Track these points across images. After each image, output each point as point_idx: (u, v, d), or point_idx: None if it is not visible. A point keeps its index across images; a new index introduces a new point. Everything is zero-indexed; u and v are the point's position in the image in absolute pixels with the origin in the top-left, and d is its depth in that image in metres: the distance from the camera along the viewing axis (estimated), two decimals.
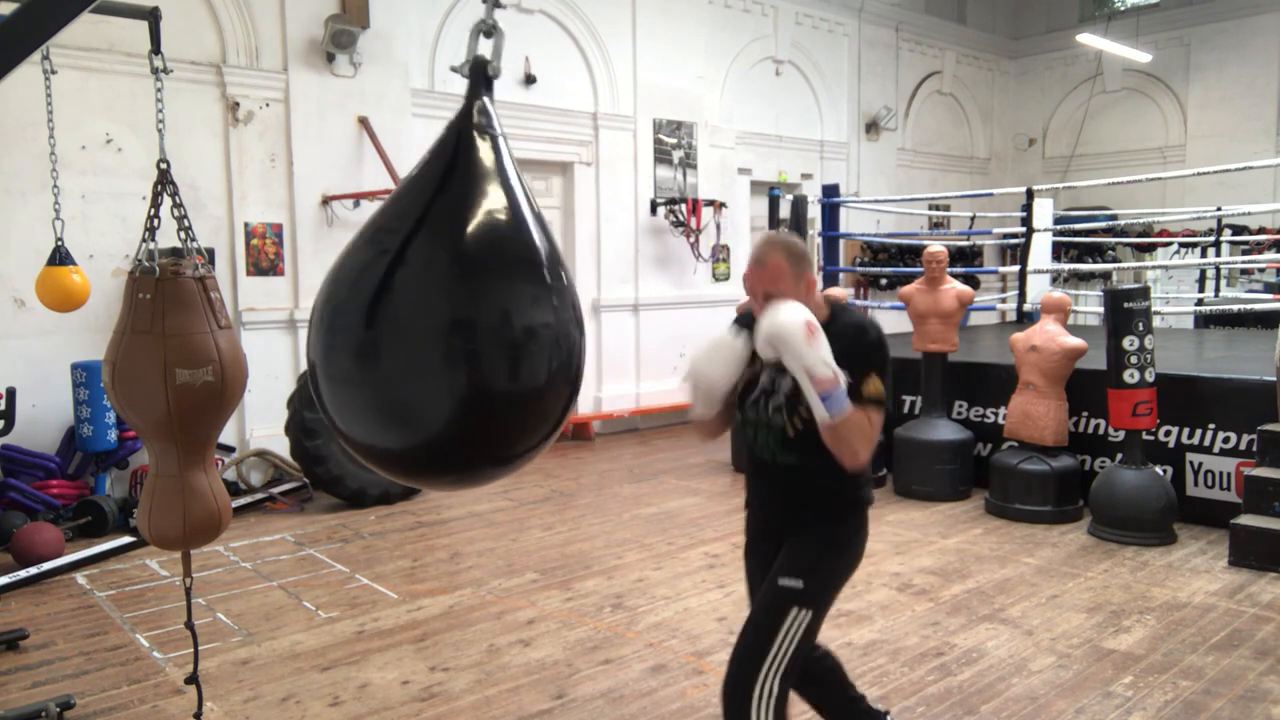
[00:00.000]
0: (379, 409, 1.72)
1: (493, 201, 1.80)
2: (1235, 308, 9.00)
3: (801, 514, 2.42)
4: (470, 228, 1.75)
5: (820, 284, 9.41)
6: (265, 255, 6.89)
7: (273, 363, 6.85)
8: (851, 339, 2.27)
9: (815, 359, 2.11)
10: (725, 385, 2.33)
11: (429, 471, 1.86)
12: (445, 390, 1.67)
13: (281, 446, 6.59)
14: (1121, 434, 5.56)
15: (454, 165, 1.81)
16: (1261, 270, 11.53)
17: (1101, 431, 5.96)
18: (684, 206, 9.44)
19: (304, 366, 7.15)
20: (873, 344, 2.30)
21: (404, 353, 1.66)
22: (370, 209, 7.23)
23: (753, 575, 2.58)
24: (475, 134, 1.85)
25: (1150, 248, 11.95)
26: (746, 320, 2.41)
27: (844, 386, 2.13)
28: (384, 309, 1.67)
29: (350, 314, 1.70)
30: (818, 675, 2.65)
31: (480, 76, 1.90)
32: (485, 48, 1.96)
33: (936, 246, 6.48)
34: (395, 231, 1.75)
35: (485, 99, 1.90)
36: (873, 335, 2.32)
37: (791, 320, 2.12)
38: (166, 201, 2.62)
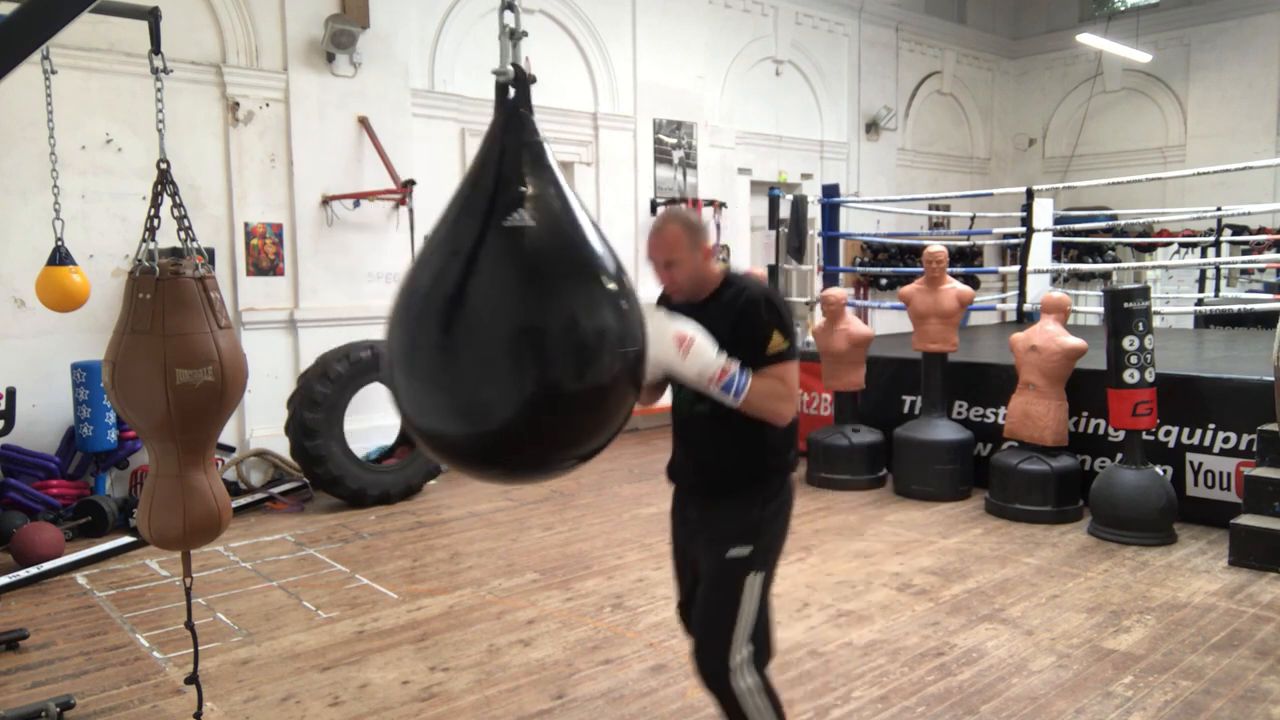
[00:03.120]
0: (455, 407, 1.82)
1: (552, 214, 1.87)
2: (1235, 308, 9.00)
3: (725, 470, 2.46)
4: (535, 244, 1.82)
5: (821, 283, 9.47)
6: (265, 255, 6.89)
7: (273, 363, 6.85)
8: (737, 305, 2.38)
9: (696, 366, 2.22)
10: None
11: (495, 464, 1.96)
12: (514, 389, 1.77)
13: (281, 446, 6.59)
14: (1121, 434, 5.56)
15: (503, 173, 1.87)
16: (1261, 270, 11.54)
17: (1101, 431, 5.96)
18: (684, 206, 9.43)
19: (304, 366, 7.11)
20: (755, 302, 2.37)
21: (476, 354, 1.76)
22: (371, 209, 7.27)
23: (678, 535, 2.64)
24: (524, 141, 1.91)
25: (1150, 248, 11.95)
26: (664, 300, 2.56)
27: (735, 370, 2.24)
28: (459, 317, 1.77)
29: (429, 319, 1.81)
30: None
31: (522, 85, 1.94)
32: (509, 52, 1.97)
33: (936, 246, 6.48)
34: (462, 238, 1.83)
35: (523, 105, 1.95)
36: (754, 293, 2.39)
37: (662, 343, 2.20)
38: (166, 201, 2.62)
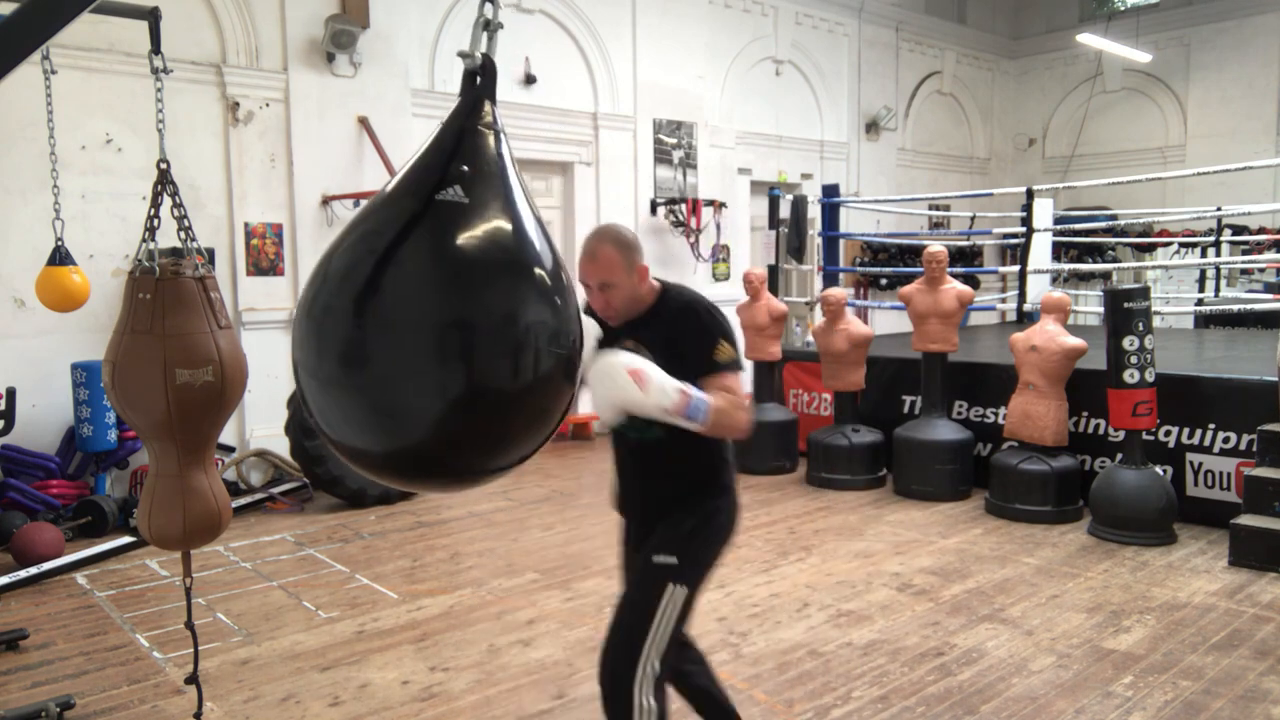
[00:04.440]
0: (367, 411, 1.69)
1: (491, 200, 1.78)
2: (1235, 308, 9.00)
3: (669, 489, 2.43)
4: (467, 227, 1.72)
5: (821, 283, 9.47)
6: (265, 255, 6.89)
7: (273, 363, 6.83)
8: (682, 320, 2.33)
9: (657, 400, 2.09)
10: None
11: (418, 474, 1.83)
12: (435, 391, 1.64)
13: (281, 446, 6.59)
14: (1121, 434, 5.55)
15: (450, 162, 1.78)
16: (1261, 270, 11.53)
17: (1101, 431, 5.95)
18: (684, 206, 9.44)
19: None
20: (695, 313, 2.34)
21: (393, 354, 1.63)
22: None
23: (628, 560, 2.59)
24: (479, 131, 1.85)
25: (1150, 248, 11.95)
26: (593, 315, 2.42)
27: (693, 393, 2.13)
28: (373, 309, 1.64)
29: (339, 314, 1.68)
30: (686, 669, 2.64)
31: (489, 75, 1.89)
32: (482, 43, 1.95)
33: (936, 246, 6.48)
34: (383, 232, 1.70)
35: (487, 97, 1.89)
36: (699, 308, 2.35)
37: (619, 383, 2.08)
38: (166, 201, 2.62)
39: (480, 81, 1.89)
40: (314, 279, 1.76)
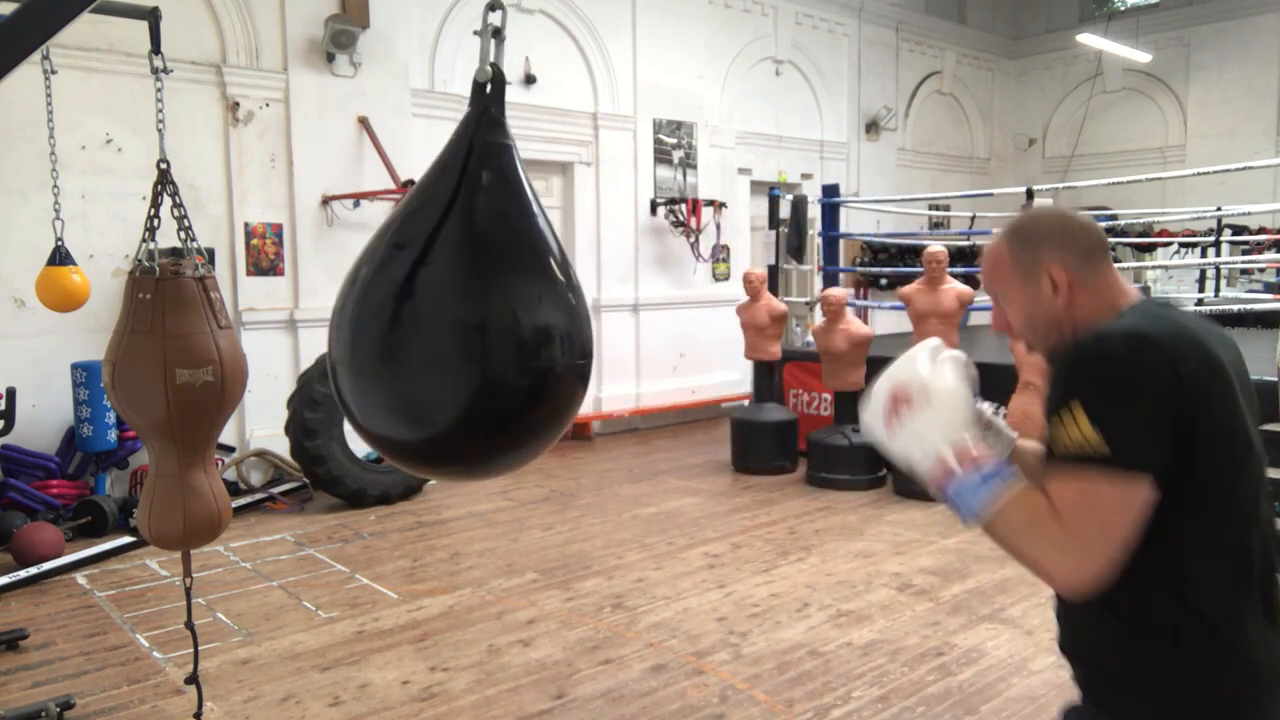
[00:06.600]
0: (397, 403, 1.85)
1: (505, 205, 1.90)
2: (1235, 308, 8.99)
3: (1090, 666, 1.51)
4: (485, 231, 1.86)
5: (821, 283, 9.46)
6: (265, 255, 6.89)
7: (273, 363, 6.84)
8: (1060, 365, 1.37)
9: (903, 447, 1.43)
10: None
11: (443, 462, 1.99)
12: (460, 386, 1.79)
13: (281, 446, 6.59)
14: None
15: (466, 171, 1.89)
16: (1261, 270, 11.53)
17: None
18: (684, 206, 9.44)
19: (304, 366, 7.10)
20: (1072, 361, 1.34)
21: (421, 350, 1.79)
22: (371, 209, 7.27)
23: None
24: (488, 141, 1.93)
25: (1150, 248, 11.95)
26: None
27: (978, 477, 1.38)
28: (404, 310, 1.79)
29: (372, 314, 1.83)
30: None
31: (497, 84, 1.95)
32: (488, 49, 1.98)
33: (936, 246, 6.49)
34: (414, 236, 1.85)
35: (495, 105, 1.96)
36: (1081, 346, 1.35)
37: (872, 404, 1.47)
38: (166, 201, 2.62)
39: (490, 92, 1.95)
40: (349, 282, 1.92)
